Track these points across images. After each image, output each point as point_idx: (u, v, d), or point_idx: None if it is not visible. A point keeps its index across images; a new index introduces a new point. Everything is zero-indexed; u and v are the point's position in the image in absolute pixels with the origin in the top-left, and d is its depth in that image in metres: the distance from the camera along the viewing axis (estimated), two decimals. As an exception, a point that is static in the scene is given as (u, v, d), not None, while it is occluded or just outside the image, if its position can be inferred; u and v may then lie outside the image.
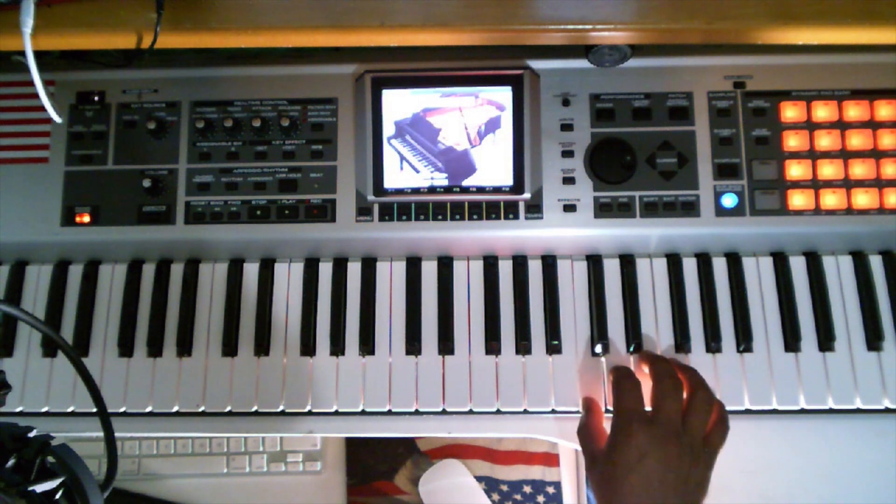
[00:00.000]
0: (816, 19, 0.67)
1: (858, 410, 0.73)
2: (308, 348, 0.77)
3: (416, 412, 0.75)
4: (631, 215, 0.75)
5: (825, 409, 0.73)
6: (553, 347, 0.76)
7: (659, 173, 0.75)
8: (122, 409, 0.76)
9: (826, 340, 0.75)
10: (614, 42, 0.71)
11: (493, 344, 0.76)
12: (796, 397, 0.73)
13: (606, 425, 0.71)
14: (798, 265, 0.77)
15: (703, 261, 0.78)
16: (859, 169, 0.74)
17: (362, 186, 0.76)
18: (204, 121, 0.77)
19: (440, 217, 0.76)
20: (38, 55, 0.66)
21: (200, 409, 0.76)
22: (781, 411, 0.74)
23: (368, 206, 0.76)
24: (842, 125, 0.75)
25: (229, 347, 0.77)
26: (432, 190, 0.75)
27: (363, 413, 0.75)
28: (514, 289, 0.78)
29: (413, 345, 0.76)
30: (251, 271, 0.80)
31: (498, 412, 0.75)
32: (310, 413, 0.75)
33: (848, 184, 0.75)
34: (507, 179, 0.75)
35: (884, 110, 0.75)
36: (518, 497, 0.91)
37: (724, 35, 0.69)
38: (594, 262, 0.78)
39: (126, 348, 0.77)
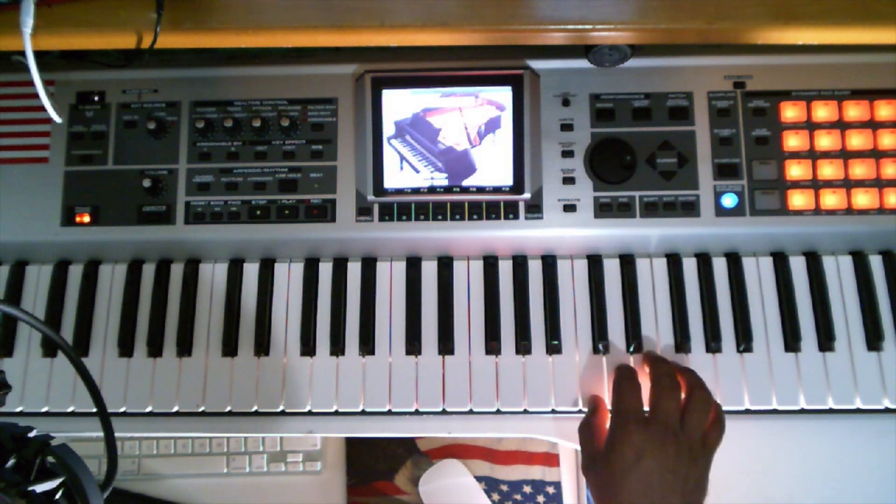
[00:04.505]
0: (816, 19, 0.67)
1: (858, 410, 0.73)
2: (308, 348, 0.77)
3: (416, 412, 0.75)
4: (631, 215, 0.75)
5: (825, 409, 0.73)
6: (553, 347, 0.76)
7: (659, 173, 0.75)
8: (122, 409, 0.76)
9: (826, 340, 0.75)
10: (614, 42, 0.71)
11: (493, 344, 0.76)
12: (796, 397, 0.73)
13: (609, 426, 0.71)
14: (798, 265, 0.77)
15: (703, 261, 0.78)
16: (859, 169, 0.74)
17: (362, 186, 0.76)
18: (204, 121, 0.77)
19: (440, 217, 0.76)
20: (38, 55, 0.66)
21: (200, 409, 0.76)
22: (781, 411, 0.74)
23: (368, 206, 0.76)
24: (842, 125, 0.75)
25: (229, 347, 0.77)
26: (432, 190, 0.75)
27: (363, 413, 0.75)
28: (514, 289, 0.78)
29: (413, 345, 0.76)
30: (251, 271, 0.80)
31: (498, 412, 0.75)
32: (310, 413, 0.75)
33: (848, 184, 0.75)
34: (507, 179, 0.75)
35: (884, 110, 0.75)
36: (518, 497, 0.91)
37: (724, 35, 0.69)
38: (594, 262, 0.78)
39: (126, 348, 0.77)
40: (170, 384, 0.76)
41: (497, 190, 0.75)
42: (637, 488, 0.63)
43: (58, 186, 0.77)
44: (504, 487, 0.91)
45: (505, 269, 0.79)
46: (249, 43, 0.70)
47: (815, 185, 0.75)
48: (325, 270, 0.79)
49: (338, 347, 0.77)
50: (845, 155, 0.75)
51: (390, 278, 0.79)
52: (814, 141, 0.75)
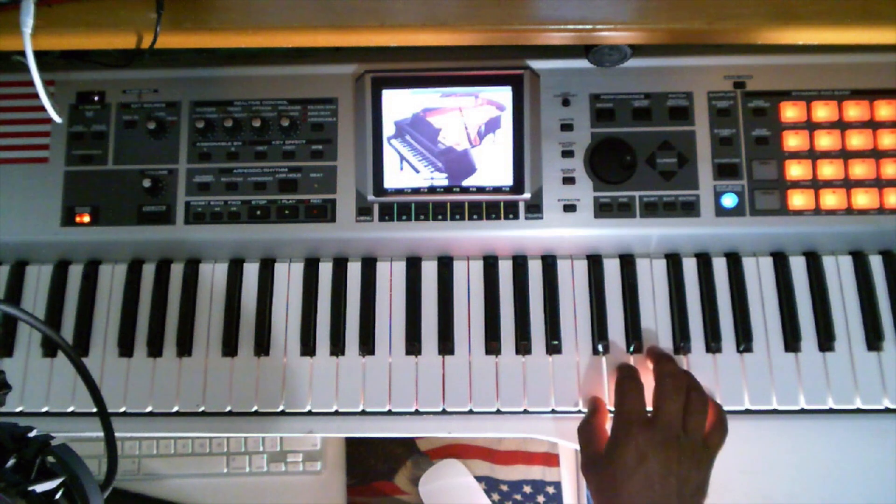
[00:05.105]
0: (816, 19, 0.67)
1: (858, 410, 0.73)
2: (308, 348, 0.77)
3: (416, 412, 0.75)
4: (631, 215, 0.75)
5: (825, 409, 0.73)
6: (553, 347, 0.76)
7: (659, 173, 0.75)
8: (122, 409, 0.76)
9: (826, 340, 0.75)
10: (614, 42, 0.71)
11: (493, 344, 0.76)
12: (796, 397, 0.73)
13: (609, 427, 0.71)
14: (798, 265, 0.77)
15: (703, 261, 0.78)
16: (859, 169, 0.74)
17: (362, 186, 0.76)
18: (204, 121, 0.77)
19: (440, 217, 0.76)
20: (38, 55, 0.66)
21: (200, 409, 0.76)
22: (781, 411, 0.74)
23: (368, 206, 0.76)
24: (842, 125, 0.75)
25: (229, 347, 0.77)
26: (432, 190, 0.75)
27: (363, 413, 0.75)
28: (514, 289, 0.78)
29: (413, 345, 0.76)
30: (251, 271, 0.80)
31: (498, 412, 0.75)
32: (310, 413, 0.75)
33: (848, 184, 0.75)
34: (507, 179, 0.75)
35: (884, 110, 0.75)
36: (518, 497, 0.91)
37: (724, 35, 0.69)
38: (594, 262, 0.78)
39: (126, 348, 0.77)
40: (170, 384, 0.76)
41: (497, 190, 0.75)
42: (638, 490, 0.63)
43: (58, 186, 0.77)
44: (504, 487, 0.91)
45: (505, 269, 0.79)
46: (249, 43, 0.70)
47: (815, 185, 0.75)
48: (325, 270, 0.79)
49: (338, 347, 0.77)
50: (845, 155, 0.75)
51: (390, 278, 0.79)
52: (814, 141, 0.75)
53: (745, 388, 0.74)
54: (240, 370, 0.77)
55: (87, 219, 0.77)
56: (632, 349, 0.76)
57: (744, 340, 0.75)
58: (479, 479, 0.91)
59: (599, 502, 0.67)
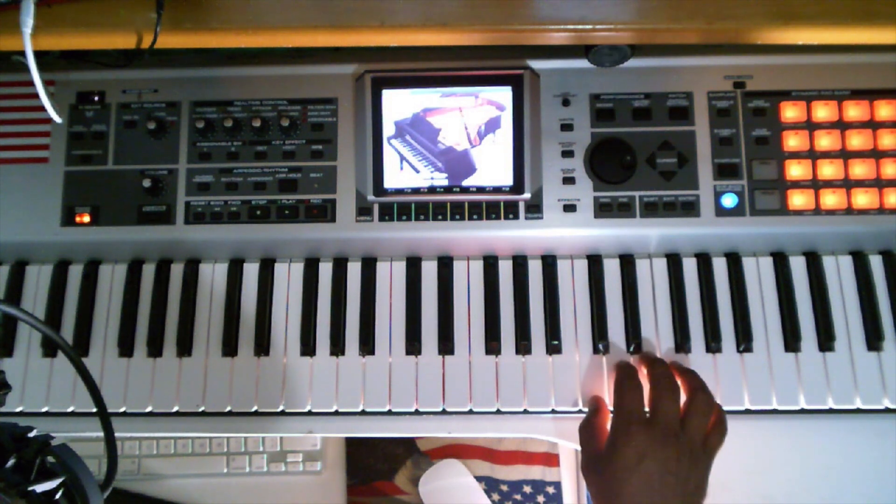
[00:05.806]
0: (816, 19, 0.67)
1: (858, 410, 0.73)
2: (308, 348, 0.77)
3: (416, 412, 0.75)
4: (631, 215, 0.75)
5: (825, 409, 0.73)
6: (553, 347, 0.76)
7: (659, 173, 0.75)
8: (122, 409, 0.76)
9: (826, 340, 0.75)
10: (614, 42, 0.71)
11: (493, 344, 0.76)
12: (796, 397, 0.73)
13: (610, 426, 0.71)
14: (798, 265, 0.77)
15: (703, 261, 0.78)
16: (859, 169, 0.74)
17: (362, 186, 0.76)
18: (204, 121, 0.77)
19: (440, 217, 0.76)
20: (38, 55, 0.66)
21: (200, 409, 0.76)
22: (781, 411, 0.74)
23: (368, 206, 0.76)
24: (842, 125, 0.75)
25: (229, 347, 0.77)
26: (432, 190, 0.75)
27: (363, 413, 0.75)
28: (514, 289, 0.78)
29: (413, 345, 0.76)
30: (251, 271, 0.80)
31: (498, 412, 0.75)
32: (310, 413, 0.75)
33: (848, 184, 0.75)
34: (507, 179, 0.75)
35: (884, 110, 0.75)
36: (518, 497, 0.91)
37: (724, 35, 0.69)
38: (594, 262, 0.78)
39: (126, 348, 0.77)
40: (170, 384, 0.76)
41: (497, 190, 0.75)
42: (638, 490, 0.63)
43: (58, 186, 0.77)
44: (504, 487, 0.91)
45: (505, 269, 0.79)
46: (249, 43, 0.70)
47: (815, 185, 0.75)
48: (325, 270, 0.79)
49: (338, 347, 0.77)
50: (845, 155, 0.75)
51: (390, 278, 0.79)
52: (814, 141, 0.75)
53: (745, 388, 0.74)
54: (240, 370, 0.77)
55: (87, 219, 0.77)
56: (632, 349, 0.76)
57: (744, 340, 0.75)
58: (479, 479, 0.91)
59: (599, 502, 0.67)
